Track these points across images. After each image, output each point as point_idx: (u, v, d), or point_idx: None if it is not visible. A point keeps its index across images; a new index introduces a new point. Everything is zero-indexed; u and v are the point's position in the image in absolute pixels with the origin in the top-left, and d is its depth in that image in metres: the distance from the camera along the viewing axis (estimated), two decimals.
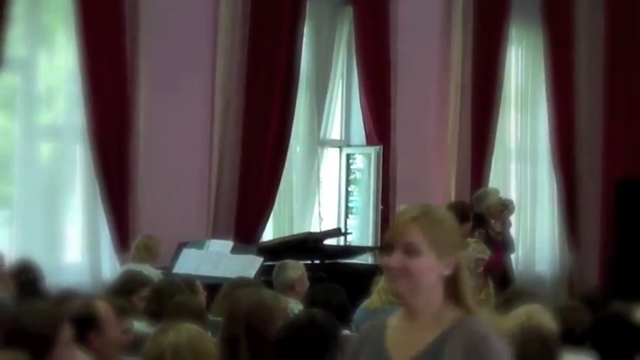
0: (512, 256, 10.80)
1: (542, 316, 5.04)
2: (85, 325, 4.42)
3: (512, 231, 10.93)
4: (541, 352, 3.94)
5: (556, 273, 12.75)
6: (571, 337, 5.21)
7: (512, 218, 10.73)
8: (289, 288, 7.06)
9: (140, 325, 5.63)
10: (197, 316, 5.02)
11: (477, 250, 8.66)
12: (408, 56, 11.15)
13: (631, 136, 13.10)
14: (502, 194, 10.59)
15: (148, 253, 8.47)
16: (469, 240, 8.75)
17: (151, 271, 7.92)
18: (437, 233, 3.02)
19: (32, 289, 6.64)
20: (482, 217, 9.54)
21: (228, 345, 4.69)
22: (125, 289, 6.37)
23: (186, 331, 3.95)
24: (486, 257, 8.60)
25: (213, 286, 6.85)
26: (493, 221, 9.28)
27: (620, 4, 13.13)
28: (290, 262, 7.36)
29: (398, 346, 3.06)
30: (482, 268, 8.59)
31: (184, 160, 9.62)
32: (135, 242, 8.60)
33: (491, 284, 8.68)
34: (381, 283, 7.56)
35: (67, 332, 3.90)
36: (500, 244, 8.87)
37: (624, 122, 13.07)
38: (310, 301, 6.13)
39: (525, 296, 6.11)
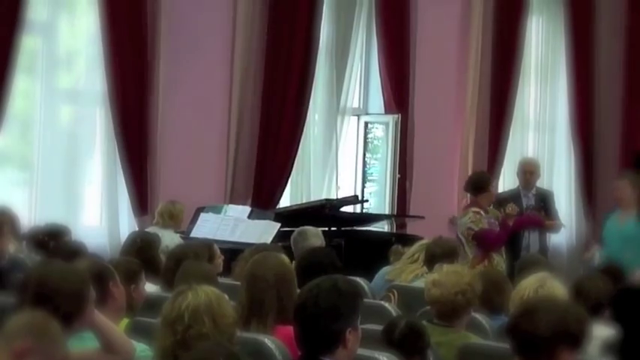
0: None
1: (553, 284, 5.06)
2: (104, 277, 4.52)
3: None
4: None
5: (572, 244, 12.72)
6: (588, 308, 5.23)
7: None
8: None
9: (158, 289, 5.69)
10: (206, 279, 5.06)
11: (471, 219, 8.74)
12: (428, 25, 11.11)
13: None
14: None
15: (172, 219, 8.48)
16: (470, 209, 8.84)
17: (173, 237, 8.01)
18: None
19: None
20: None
21: (252, 309, 4.75)
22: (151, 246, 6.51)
23: (205, 293, 3.99)
24: (476, 229, 8.66)
25: (230, 251, 6.90)
26: (512, 204, 9.25)
27: None
28: (311, 230, 7.35)
29: None
30: (471, 237, 8.67)
31: (203, 126, 9.65)
32: (158, 208, 8.62)
33: (496, 256, 8.71)
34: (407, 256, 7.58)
35: (92, 292, 3.98)
36: (507, 226, 8.89)
37: None
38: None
39: (539, 265, 6.14)
